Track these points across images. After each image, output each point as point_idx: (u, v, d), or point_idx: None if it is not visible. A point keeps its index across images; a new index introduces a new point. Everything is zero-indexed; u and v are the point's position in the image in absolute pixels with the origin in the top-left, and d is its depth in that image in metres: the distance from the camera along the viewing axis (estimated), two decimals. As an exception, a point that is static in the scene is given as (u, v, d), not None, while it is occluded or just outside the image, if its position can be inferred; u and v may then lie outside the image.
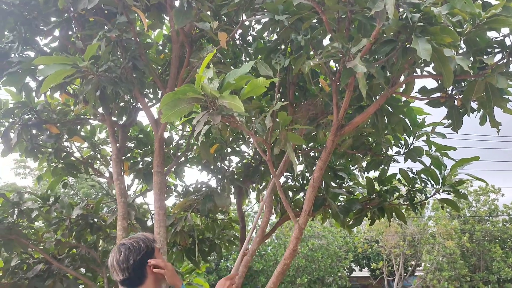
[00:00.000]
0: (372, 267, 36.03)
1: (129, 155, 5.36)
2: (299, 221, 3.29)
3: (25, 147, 4.60)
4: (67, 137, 4.76)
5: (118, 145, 4.26)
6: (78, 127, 4.91)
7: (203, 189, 4.87)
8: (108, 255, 4.62)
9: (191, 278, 5.90)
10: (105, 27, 3.58)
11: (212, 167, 4.91)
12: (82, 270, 4.86)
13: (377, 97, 3.52)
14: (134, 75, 3.81)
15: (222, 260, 31.68)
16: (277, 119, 3.17)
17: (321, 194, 4.65)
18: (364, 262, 38.92)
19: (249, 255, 3.88)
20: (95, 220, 4.51)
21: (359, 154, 4.54)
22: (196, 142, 5.12)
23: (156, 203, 3.86)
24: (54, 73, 3.09)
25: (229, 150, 5.26)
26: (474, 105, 3.48)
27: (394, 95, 3.70)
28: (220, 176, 4.94)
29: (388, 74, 3.28)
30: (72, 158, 5.04)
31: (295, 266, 31.92)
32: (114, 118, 4.81)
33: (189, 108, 2.47)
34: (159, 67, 4.74)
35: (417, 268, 34.95)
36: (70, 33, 4.18)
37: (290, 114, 4.18)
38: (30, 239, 4.32)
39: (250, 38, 4.40)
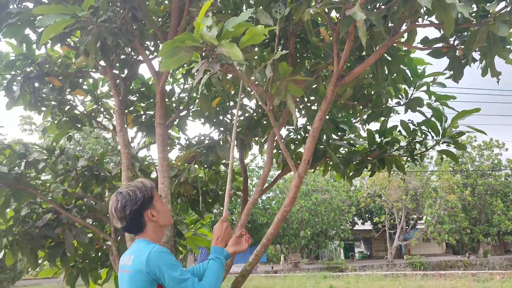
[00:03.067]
0: (374, 220, 36.92)
1: (131, 108, 5.39)
2: (298, 170, 3.36)
3: (28, 100, 4.63)
4: (70, 90, 4.78)
5: (120, 97, 4.28)
6: (80, 80, 4.91)
7: (206, 141, 4.95)
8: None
9: (196, 228, 6.06)
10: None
11: (214, 120, 4.95)
12: (89, 220, 5.02)
13: (378, 47, 3.50)
14: (134, 26, 3.79)
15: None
16: (278, 70, 3.18)
17: (322, 146, 4.70)
18: (367, 216, 39.82)
19: (250, 204, 3.98)
20: (100, 171, 4.61)
21: (359, 106, 4.55)
22: (198, 95, 5.14)
23: (159, 154, 3.93)
24: (54, 23, 3.09)
25: (231, 103, 5.27)
26: (476, 55, 3.47)
27: (395, 44, 3.67)
28: (222, 129, 4.99)
29: (390, 24, 3.24)
30: (76, 111, 5.08)
31: (298, 220, 32.72)
32: (115, 71, 4.82)
33: (188, 56, 2.48)
34: (159, 19, 4.68)
35: (419, 222, 35.73)
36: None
37: (290, 65, 4.17)
38: (38, 189, 4.44)
39: (251, -13, 4.31)
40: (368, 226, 40.67)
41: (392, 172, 4.98)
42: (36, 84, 4.53)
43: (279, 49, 4.20)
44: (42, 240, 4.43)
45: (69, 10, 3.11)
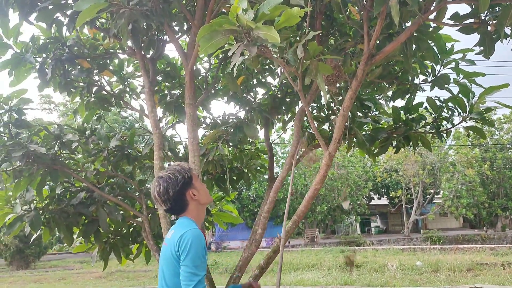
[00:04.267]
0: (391, 195, 36.90)
1: (157, 88, 5.46)
2: (329, 148, 3.42)
3: (58, 82, 4.73)
4: (98, 72, 4.86)
5: (150, 78, 4.35)
6: (108, 61, 4.99)
7: (230, 120, 5.01)
8: (144, 184, 4.84)
9: (221, 205, 6.20)
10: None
11: (239, 98, 5.00)
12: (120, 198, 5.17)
13: (407, 24, 3.49)
14: (162, 7, 3.82)
15: (243, 190, 32.70)
16: (308, 49, 3.21)
17: (347, 123, 4.74)
18: (383, 190, 39.81)
19: (278, 181, 4.08)
20: (131, 151, 4.73)
21: (385, 83, 4.55)
22: (222, 75, 5.19)
23: (189, 134, 4.01)
24: (89, 7, 3.15)
25: (255, 81, 5.31)
26: (507, 30, 3.44)
27: (425, 21, 3.66)
28: (247, 108, 5.04)
29: (421, 0, 3.23)
30: (104, 92, 5.18)
31: (315, 195, 32.86)
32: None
33: (225, 40, 2.52)
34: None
35: (436, 196, 35.64)
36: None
37: (317, 44, 4.19)
38: (72, 169, 4.58)
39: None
40: (384, 201, 40.72)
41: (409, 147, 5.00)
42: (67, 67, 4.63)
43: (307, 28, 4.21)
44: (77, 218, 4.60)
45: (103, -7, 3.16)
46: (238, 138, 4.46)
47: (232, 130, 4.52)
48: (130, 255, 5.25)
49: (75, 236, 4.88)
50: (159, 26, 3.71)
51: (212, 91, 5.26)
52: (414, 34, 3.69)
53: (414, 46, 3.69)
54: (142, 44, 4.80)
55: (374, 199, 41.08)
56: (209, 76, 5.14)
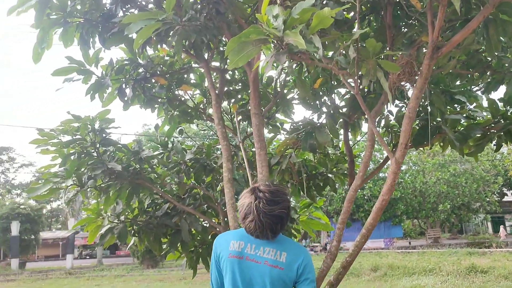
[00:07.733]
0: (527, 191, 32.84)
1: (239, 96, 5.49)
2: (395, 155, 3.08)
3: (142, 99, 5.00)
4: (176, 87, 5.03)
5: (217, 91, 4.38)
6: (185, 75, 5.14)
7: (301, 127, 4.82)
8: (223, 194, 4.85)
9: (310, 212, 6.03)
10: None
11: (314, 102, 4.79)
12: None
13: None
14: (222, 20, 3.82)
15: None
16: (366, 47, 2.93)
17: (434, 123, 4.27)
18: (518, 186, 35.61)
19: (352, 190, 3.80)
20: (209, 162, 4.81)
21: (476, 74, 4.00)
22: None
23: (256, 144, 3.95)
24: (143, 29, 3.26)
25: (334, 83, 5.05)
26: None
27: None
28: (326, 112, 4.81)
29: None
30: (187, 105, 5.34)
31: (436, 193, 30.72)
32: (216, 63, 4.95)
33: (256, 50, 2.40)
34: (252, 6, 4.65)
35: None
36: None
37: (389, 38, 3.83)
38: (155, 182, 4.80)
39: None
40: (520, 197, 36.49)
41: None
42: (146, 85, 4.86)
43: (366, 24, 3.88)
44: (163, 229, 4.80)
45: (154, 14, 3.25)
46: (310, 144, 4.27)
47: (303, 137, 4.34)
48: (217, 263, 5.34)
49: (164, 246, 5.12)
50: (213, 39, 3.69)
51: (291, 96, 5.15)
52: (499, 16, 3.17)
53: (499, 30, 3.16)
54: (219, 56, 4.85)
55: (507, 195, 37.02)
56: (278, 82, 5.02)
